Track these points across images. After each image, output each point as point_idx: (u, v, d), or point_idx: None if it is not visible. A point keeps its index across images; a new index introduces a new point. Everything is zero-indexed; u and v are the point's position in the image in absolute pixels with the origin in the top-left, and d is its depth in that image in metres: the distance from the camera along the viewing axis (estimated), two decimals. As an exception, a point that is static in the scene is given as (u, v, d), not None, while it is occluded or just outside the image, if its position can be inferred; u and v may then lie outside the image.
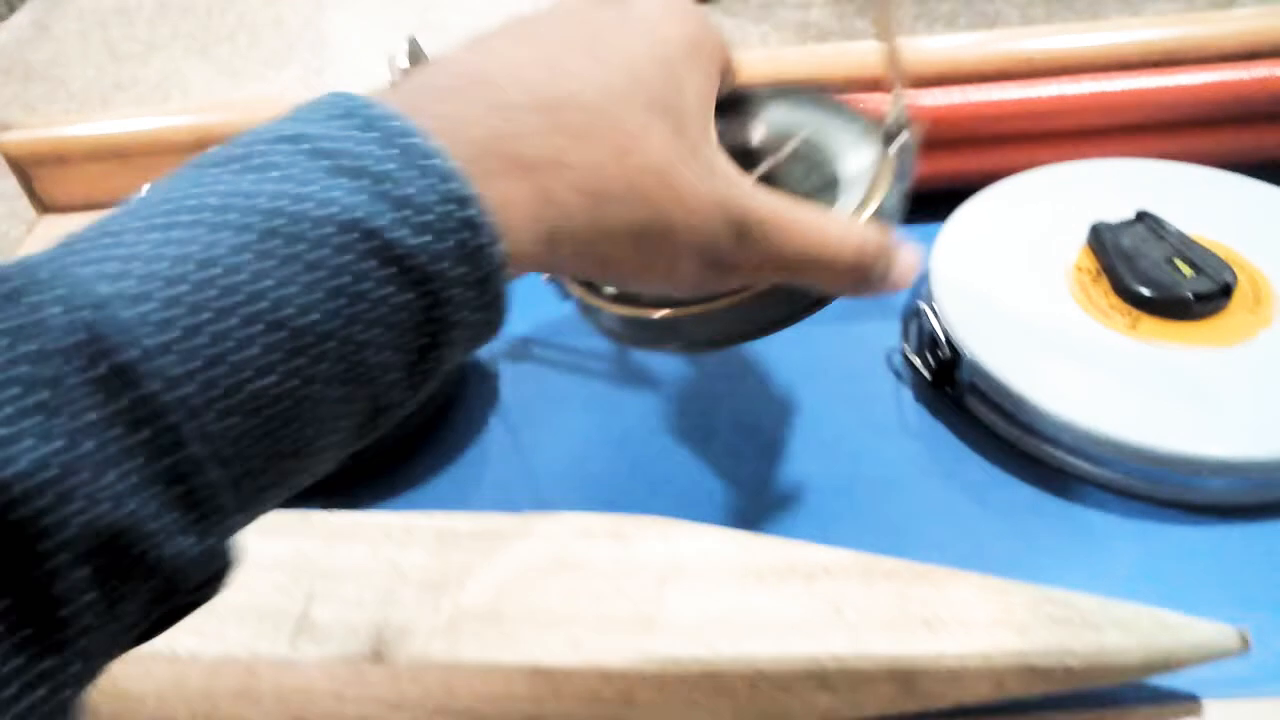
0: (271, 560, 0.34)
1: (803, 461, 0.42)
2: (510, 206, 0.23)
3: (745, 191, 0.28)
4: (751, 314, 0.34)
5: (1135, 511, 0.39)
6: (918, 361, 0.44)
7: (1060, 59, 0.53)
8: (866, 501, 0.40)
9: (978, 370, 0.42)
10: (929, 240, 0.47)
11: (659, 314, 0.34)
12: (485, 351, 0.49)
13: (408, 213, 0.21)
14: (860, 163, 0.37)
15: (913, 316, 0.44)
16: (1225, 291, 0.42)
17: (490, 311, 0.23)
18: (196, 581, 0.19)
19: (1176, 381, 0.40)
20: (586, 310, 0.36)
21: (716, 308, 0.33)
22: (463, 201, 0.22)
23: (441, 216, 0.21)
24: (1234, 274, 0.43)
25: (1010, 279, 0.45)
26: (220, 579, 0.20)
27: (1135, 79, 0.51)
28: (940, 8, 1.78)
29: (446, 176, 0.21)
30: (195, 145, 0.53)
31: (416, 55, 0.36)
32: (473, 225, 0.22)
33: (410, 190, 0.21)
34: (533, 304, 0.48)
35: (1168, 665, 0.31)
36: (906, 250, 0.32)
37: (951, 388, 0.43)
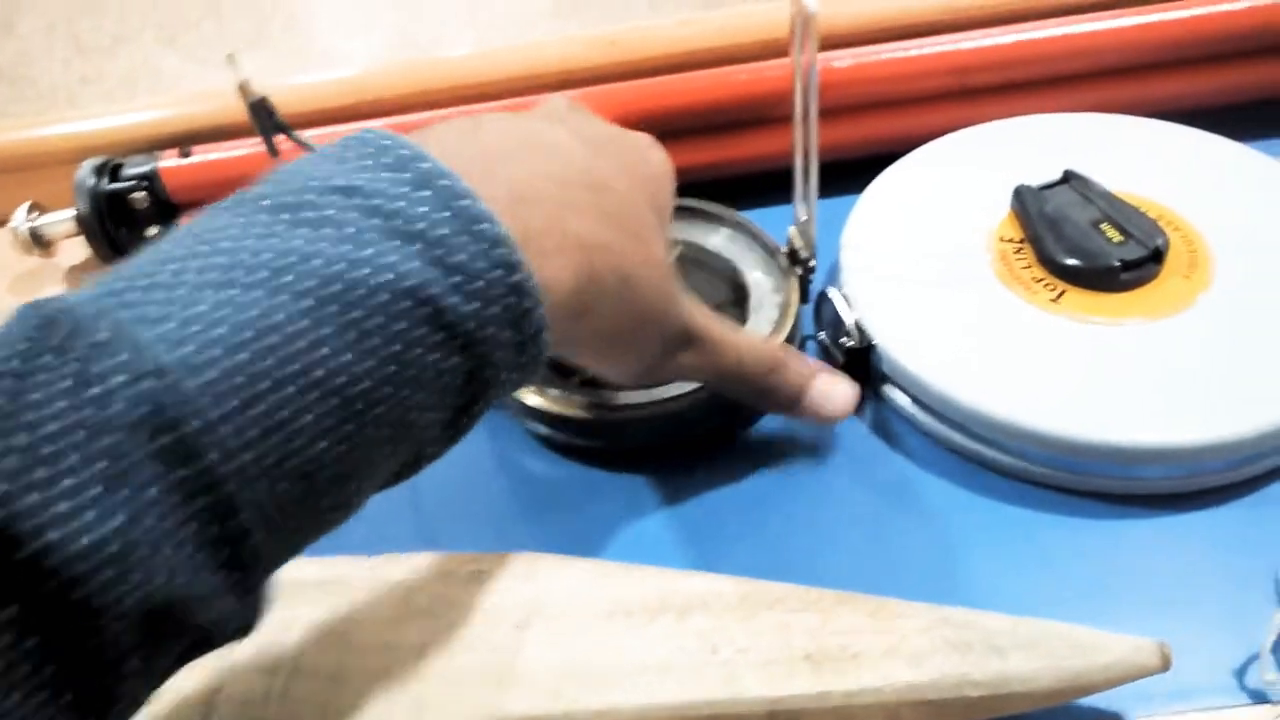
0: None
1: (704, 473, 0.39)
2: (558, 277, 0.25)
3: (691, 301, 0.32)
4: (694, 417, 0.38)
5: (1060, 505, 0.36)
6: (831, 349, 0.41)
7: (980, 8, 0.49)
8: (771, 511, 0.37)
9: (887, 357, 0.38)
10: (843, 215, 0.44)
11: (622, 404, 0.38)
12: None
13: (459, 279, 0.22)
14: (765, 282, 0.42)
15: (823, 301, 0.41)
16: (1156, 257, 0.39)
17: (528, 370, 0.25)
18: (232, 632, 0.21)
19: (1104, 361, 0.37)
20: (524, 411, 0.39)
21: (670, 409, 0.37)
22: (511, 267, 0.22)
23: (491, 282, 0.22)
24: (1165, 237, 0.39)
25: (927, 255, 0.42)
26: (251, 626, 0.21)
27: (1061, 26, 0.47)
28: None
29: (496, 242, 0.22)
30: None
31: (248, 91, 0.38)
32: (519, 290, 0.23)
33: (462, 256, 0.22)
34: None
35: (1080, 690, 0.28)
36: (841, 386, 0.36)
37: (865, 375, 0.40)
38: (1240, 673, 0.31)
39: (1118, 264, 0.38)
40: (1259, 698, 0.30)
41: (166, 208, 0.50)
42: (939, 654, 0.28)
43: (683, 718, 0.27)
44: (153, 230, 0.50)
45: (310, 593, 0.31)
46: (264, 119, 0.38)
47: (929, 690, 0.28)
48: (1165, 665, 0.28)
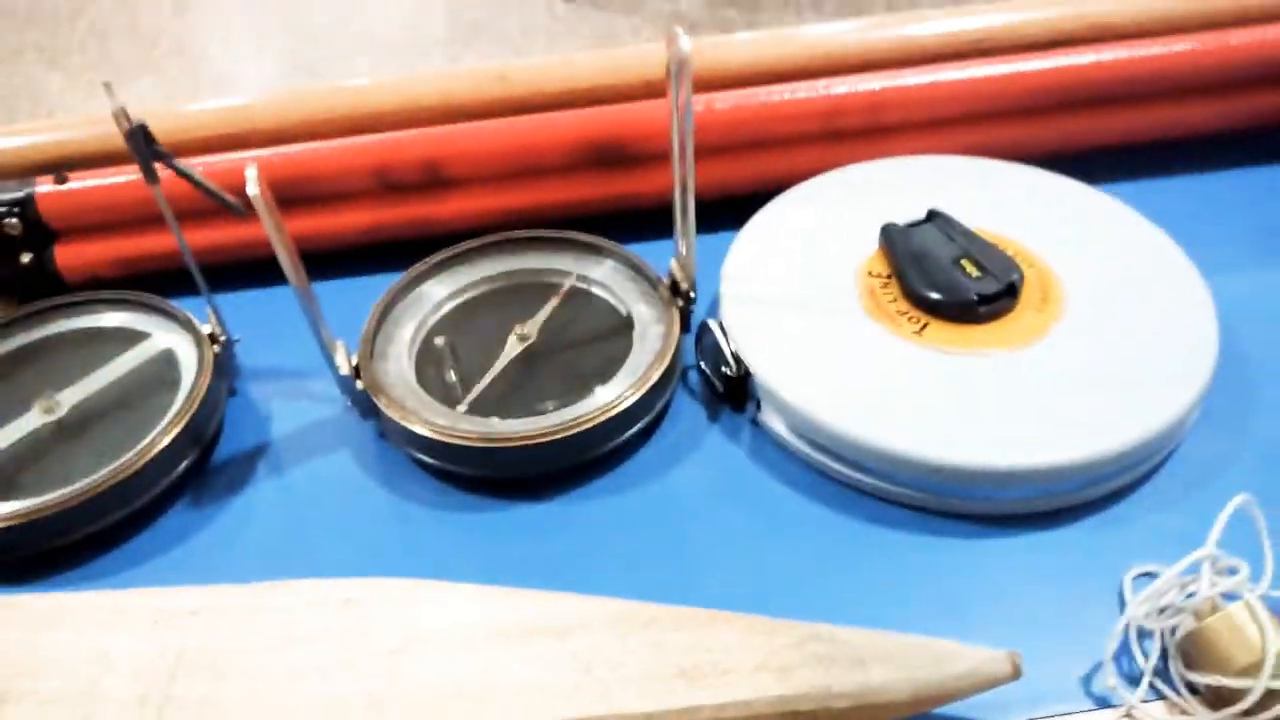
0: (-38, 657, 0.30)
1: (594, 492, 0.40)
2: None
3: None
4: (574, 446, 0.39)
5: (923, 526, 0.38)
6: (711, 377, 0.43)
7: (855, 53, 0.51)
8: (654, 533, 0.38)
9: (762, 385, 0.40)
10: (723, 249, 0.45)
11: (503, 433, 0.38)
12: (254, 389, 0.45)
13: None
14: (648, 314, 0.44)
15: (703, 331, 0.42)
16: (1011, 291, 0.41)
17: None
18: None
19: (962, 389, 0.39)
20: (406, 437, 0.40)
21: (551, 439, 0.38)
22: None
23: None
24: (1020, 273, 0.42)
25: (801, 288, 0.43)
26: None
27: (931, 73, 0.50)
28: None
29: None
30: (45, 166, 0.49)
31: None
32: None
33: None
34: (300, 338, 0.45)
35: (939, 699, 0.30)
36: None
37: (743, 403, 0.42)
38: (1087, 680, 0.33)
39: (975, 298, 0.41)
40: (1103, 703, 0.32)
41: (41, 234, 0.49)
42: (806, 667, 0.29)
43: (559, 735, 0.28)
44: (26, 257, 0.49)
45: (183, 621, 0.30)
46: (141, 147, 0.38)
47: (797, 702, 0.29)
48: (1016, 674, 0.30)
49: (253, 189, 0.34)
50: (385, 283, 0.45)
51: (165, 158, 0.39)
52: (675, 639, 0.30)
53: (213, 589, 0.32)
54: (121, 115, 0.37)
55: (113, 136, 0.50)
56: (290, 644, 0.30)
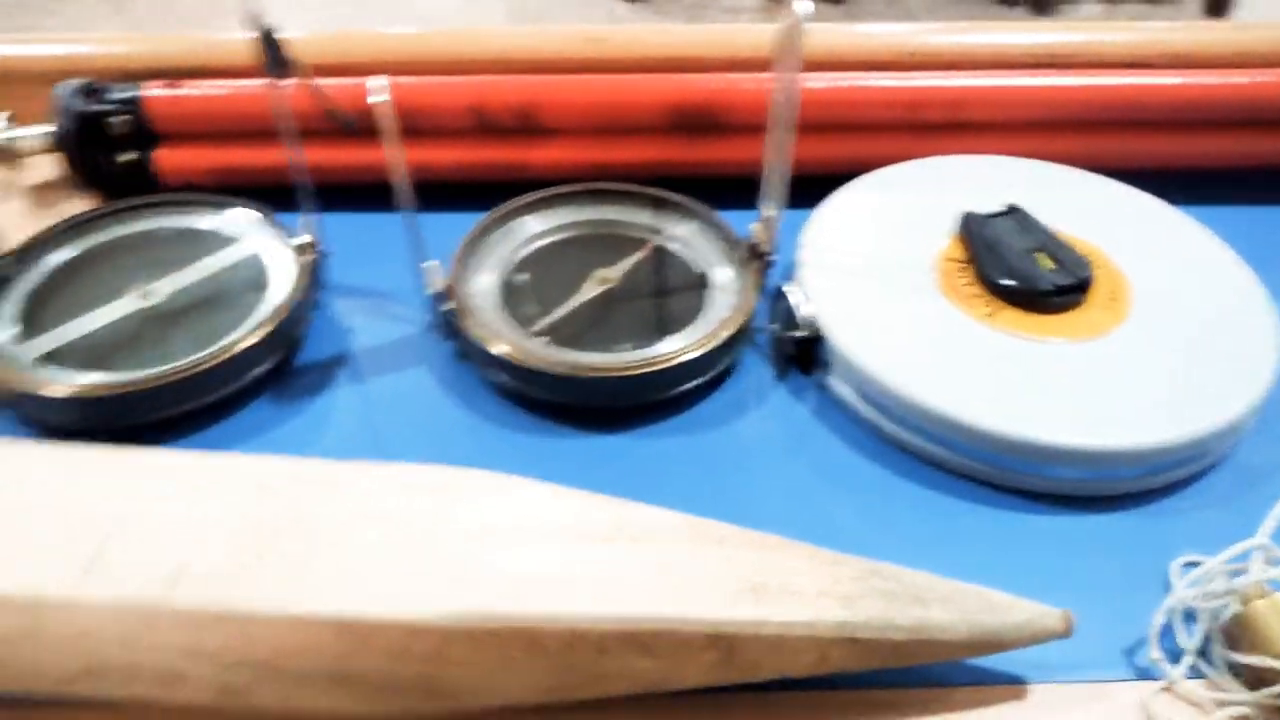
0: (71, 496, 0.31)
1: (661, 432, 0.41)
2: None
3: None
4: (649, 384, 0.41)
5: (981, 498, 0.39)
6: (782, 340, 0.44)
7: (948, 55, 0.53)
8: (718, 477, 0.40)
9: (835, 351, 0.41)
10: (797, 226, 0.47)
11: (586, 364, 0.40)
12: (339, 304, 0.47)
13: None
14: (725, 274, 0.45)
15: (779, 296, 0.44)
16: (1082, 286, 0.42)
17: None
18: None
19: (1028, 371, 0.40)
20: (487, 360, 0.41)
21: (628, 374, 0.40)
22: None
23: None
24: (1092, 270, 0.43)
25: (877, 264, 0.45)
26: None
27: (1014, 77, 0.51)
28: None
29: None
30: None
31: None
32: None
33: None
34: (390, 255, 0.47)
35: (993, 645, 0.31)
36: None
37: (811, 366, 0.43)
38: (1130, 652, 0.34)
39: (1049, 288, 0.42)
40: (1145, 674, 0.33)
41: (146, 136, 0.51)
42: (868, 598, 0.31)
43: (630, 631, 0.29)
44: (129, 157, 0.51)
45: (281, 486, 0.32)
46: (269, 45, 0.39)
47: (857, 629, 0.30)
48: (1068, 630, 0.31)
49: (379, 96, 0.35)
50: (471, 220, 0.46)
51: (288, 64, 0.40)
52: (745, 557, 0.31)
53: (311, 461, 0.33)
54: (253, 17, 0.38)
55: (226, 52, 0.52)
56: (383, 517, 0.31)
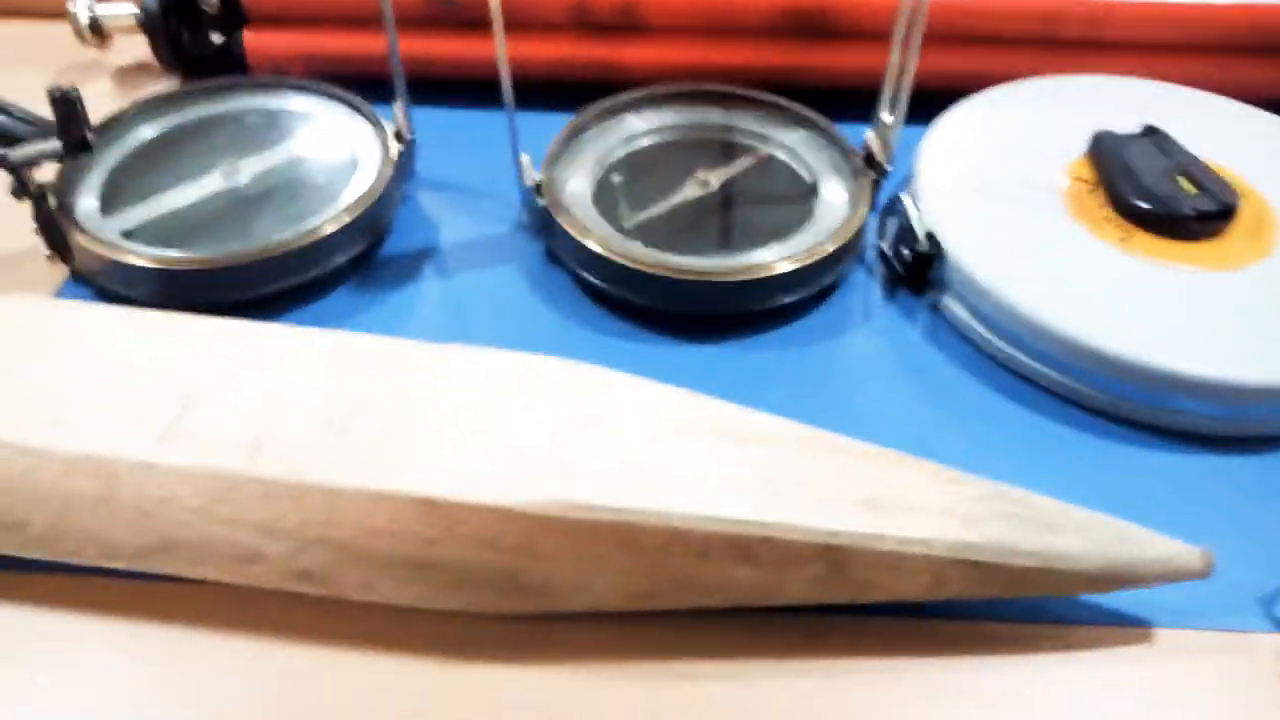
0: (150, 358, 0.30)
1: (758, 345, 0.39)
2: None
3: None
4: (752, 294, 0.39)
5: (1105, 431, 0.36)
6: (893, 257, 0.41)
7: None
8: (820, 394, 0.37)
9: (953, 266, 0.38)
10: (912, 142, 0.44)
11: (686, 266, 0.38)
12: (425, 198, 0.45)
13: None
14: (836, 184, 0.42)
15: (892, 210, 0.41)
16: (1227, 213, 0.39)
17: None
18: None
19: (1163, 299, 0.37)
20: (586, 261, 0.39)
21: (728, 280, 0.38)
22: None
23: None
24: (1237, 197, 0.39)
25: (1000, 181, 0.42)
26: None
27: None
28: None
29: None
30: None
31: None
32: None
33: None
34: (479, 152, 0.45)
35: (1124, 579, 0.29)
36: None
37: (924, 286, 0.40)
38: (1268, 602, 0.31)
39: (1190, 212, 0.39)
40: (1283, 626, 0.30)
41: (235, 16, 0.49)
42: (993, 520, 0.28)
43: (735, 534, 0.27)
44: (217, 38, 0.49)
45: (366, 363, 0.30)
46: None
47: (979, 552, 0.28)
48: (1207, 570, 0.29)
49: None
50: (565, 121, 0.44)
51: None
52: (860, 468, 0.29)
53: (400, 341, 0.31)
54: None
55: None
56: (475, 400, 0.29)
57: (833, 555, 0.27)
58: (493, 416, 0.29)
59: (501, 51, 0.35)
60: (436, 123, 0.49)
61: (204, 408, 0.29)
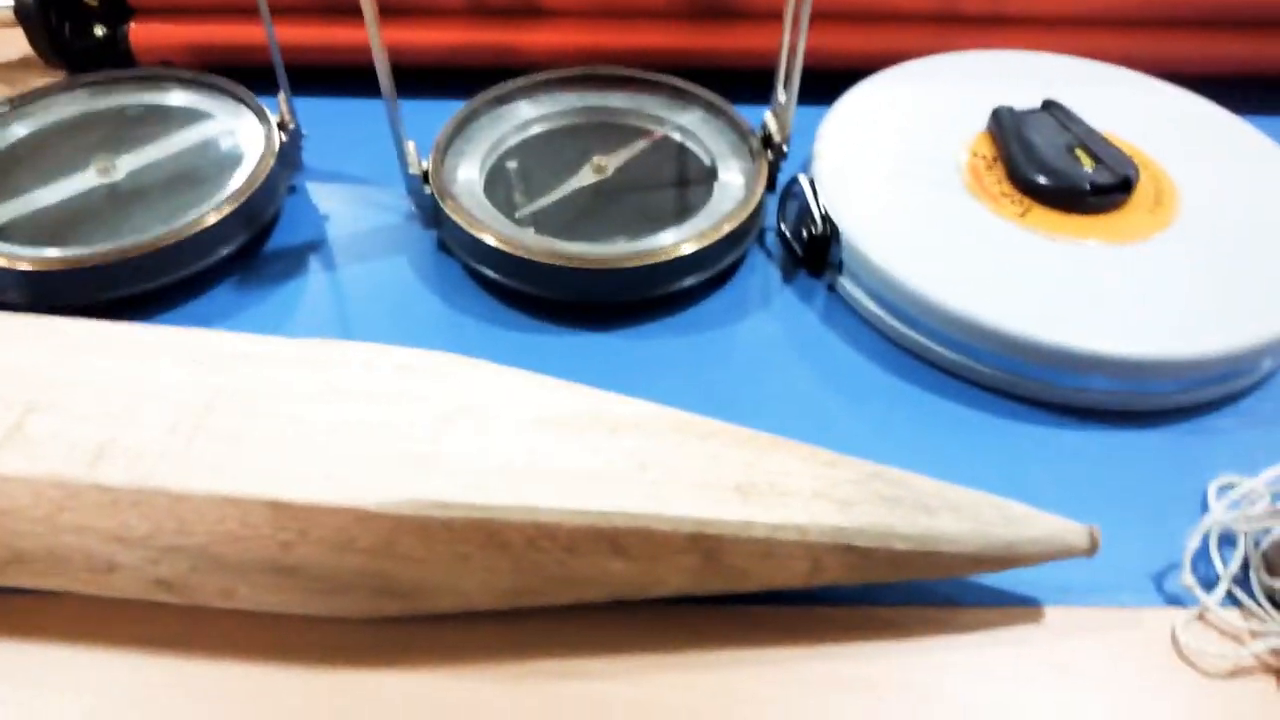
0: (-8, 364, 0.29)
1: (654, 331, 0.38)
2: None
3: None
4: (644, 279, 0.37)
5: (1004, 409, 0.36)
6: (791, 239, 0.40)
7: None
8: (717, 381, 0.36)
9: (849, 247, 0.38)
10: (813, 123, 0.43)
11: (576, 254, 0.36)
12: (314, 190, 0.44)
13: None
14: (734, 165, 0.41)
15: (790, 192, 0.40)
16: (1125, 186, 0.39)
17: None
18: None
19: (1060, 275, 0.36)
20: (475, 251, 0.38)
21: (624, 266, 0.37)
22: None
23: None
24: (1136, 170, 0.39)
25: (899, 160, 0.41)
26: None
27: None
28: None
29: None
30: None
31: None
32: None
33: None
34: (372, 143, 0.44)
35: (1007, 559, 0.28)
36: None
37: (822, 267, 0.40)
38: (1160, 577, 0.31)
39: (1087, 186, 0.38)
40: (1175, 602, 0.30)
41: (119, 8, 0.48)
42: (868, 503, 0.27)
43: (603, 527, 0.26)
44: (100, 30, 0.48)
45: (226, 362, 0.29)
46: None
47: (855, 536, 0.27)
48: (1093, 547, 0.28)
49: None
50: (462, 106, 0.43)
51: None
52: (734, 454, 0.28)
53: (261, 338, 0.30)
54: None
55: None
56: (335, 397, 0.28)
57: (705, 544, 0.27)
58: (353, 414, 0.28)
59: (375, 36, 0.34)
60: (331, 113, 0.47)
61: (48, 413, 0.27)
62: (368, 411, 0.28)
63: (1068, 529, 0.28)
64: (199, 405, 0.27)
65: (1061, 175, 0.39)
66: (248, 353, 0.29)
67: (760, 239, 0.42)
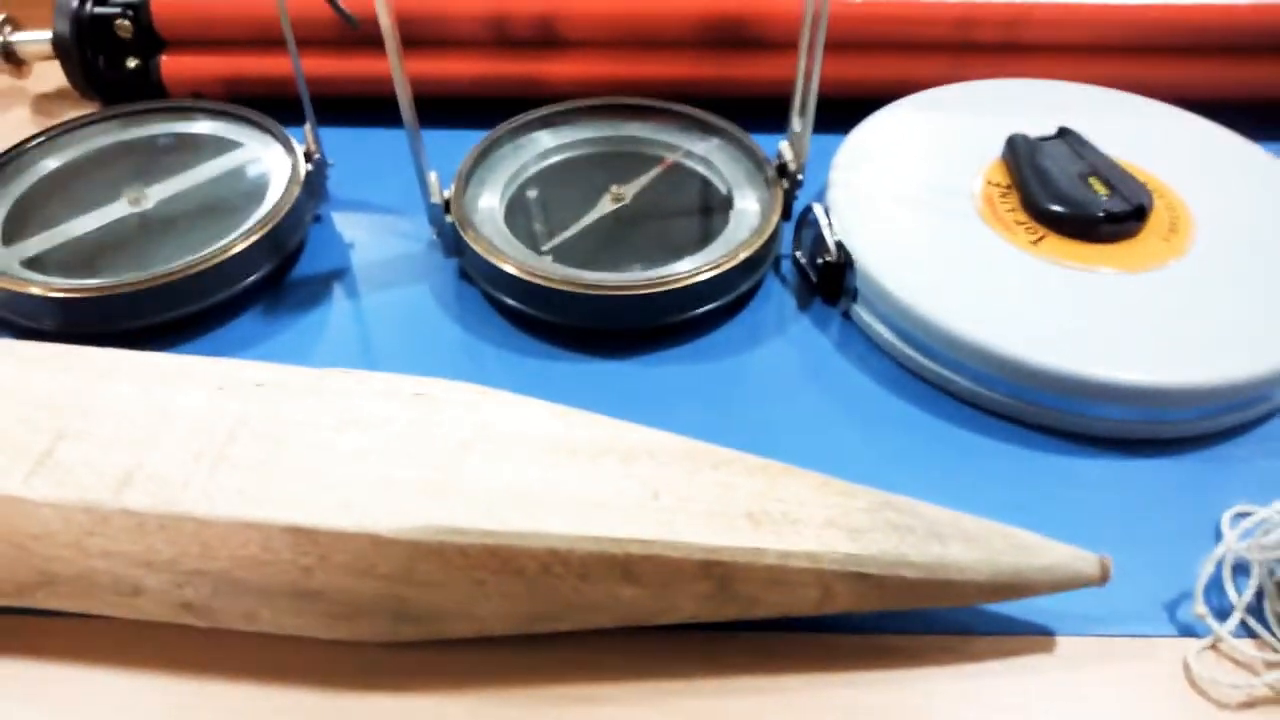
0: (24, 392, 0.29)
1: (671, 359, 0.38)
2: None
3: None
4: (661, 305, 0.38)
5: (1018, 437, 0.36)
6: (806, 266, 0.41)
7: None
8: (731, 407, 0.37)
9: (863, 274, 0.38)
10: (829, 150, 0.43)
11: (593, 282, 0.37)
12: (339, 219, 0.45)
13: None
14: (749, 193, 0.42)
15: (805, 220, 0.41)
16: (1139, 214, 0.39)
17: None
18: None
19: (1074, 303, 0.37)
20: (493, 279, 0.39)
21: (637, 294, 0.37)
22: None
23: None
24: (1150, 197, 0.39)
25: (914, 188, 0.41)
26: None
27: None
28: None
29: None
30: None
31: None
32: None
33: None
34: (396, 172, 0.45)
35: (1019, 589, 0.28)
36: None
37: (837, 295, 0.40)
38: (1173, 607, 0.31)
39: (1102, 214, 0.38)
40: (1188, 632, 0.30)
41: (151, 40, 0.49)
42: (879, 531, 0.28)
43: (615, 554, 0.26)
44: (132, 63, 0.49)
45: (248, 390, 0.30)
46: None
47: (866, 564, 0.27)
48: (1104, 577, 0.28)
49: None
50: (484, 136, 0.44)
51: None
52: (745, 483, 0.28)
53: (281, 367, 0.31)
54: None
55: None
56: (354, 425, 0.29)
57: (716, 571, 0.27)
58: (372, 441, 0.28)
59: (396, 67, 0.35)
60: (356, 143, 0.48)
61: (77, 440, 0.28)
62: (386, 439, 0.28)
63: (1079, 558, 0.28)
64: (222, 433, 0.28)
65: (1075, 203, 0.39)
66: (269, 381, 0.30)
67: (776, 267, 0.42)
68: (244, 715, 0.28)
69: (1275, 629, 0.30)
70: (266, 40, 0.48)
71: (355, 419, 0.29)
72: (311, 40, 0.47)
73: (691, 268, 0.38)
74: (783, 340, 0.39)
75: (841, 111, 0.45)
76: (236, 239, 0.39)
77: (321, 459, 0.28)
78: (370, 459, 0.28)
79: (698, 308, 0.39)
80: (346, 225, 0.44)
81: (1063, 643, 0.30)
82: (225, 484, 0.27)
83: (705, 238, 0.40)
